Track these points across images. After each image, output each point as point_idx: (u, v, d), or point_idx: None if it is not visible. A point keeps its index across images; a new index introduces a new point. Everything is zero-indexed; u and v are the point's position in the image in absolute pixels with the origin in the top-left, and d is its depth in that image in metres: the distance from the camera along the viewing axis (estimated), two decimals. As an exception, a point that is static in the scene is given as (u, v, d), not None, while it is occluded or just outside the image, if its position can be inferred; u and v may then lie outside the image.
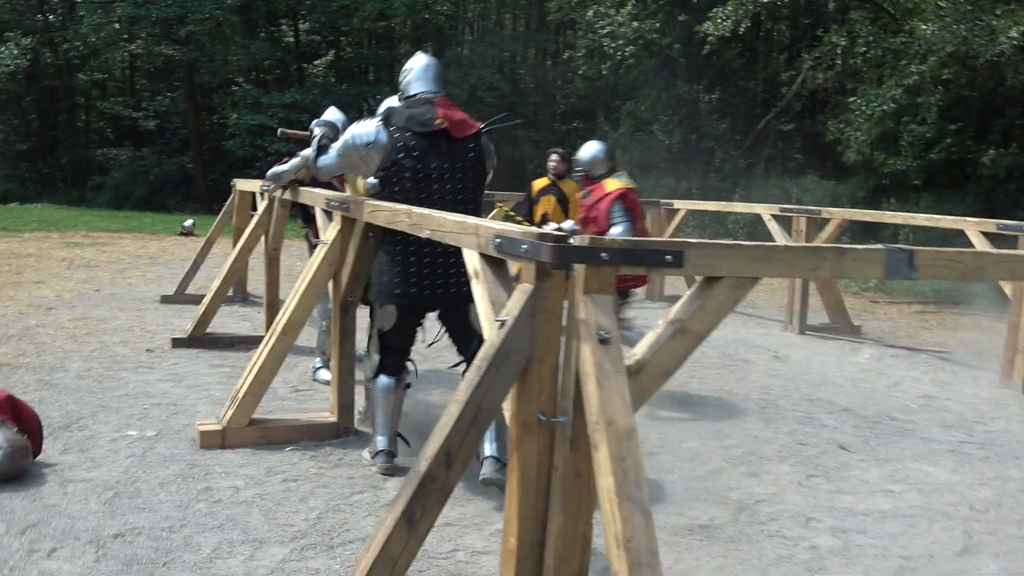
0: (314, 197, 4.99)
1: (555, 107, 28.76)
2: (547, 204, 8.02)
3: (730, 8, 14.21)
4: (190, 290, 8.87)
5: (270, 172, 5.34)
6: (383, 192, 4.29)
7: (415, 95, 4.43)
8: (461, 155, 4.36)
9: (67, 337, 6.96)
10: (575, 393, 2.42)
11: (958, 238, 8.92)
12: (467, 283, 3.28)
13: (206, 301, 6.91)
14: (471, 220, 3.03)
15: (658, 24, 19.12)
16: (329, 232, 4.71)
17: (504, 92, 24.44)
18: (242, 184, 8.47)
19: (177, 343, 6.80)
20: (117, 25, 27.62)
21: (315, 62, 29.49)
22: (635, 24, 18.82)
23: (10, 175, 28.05)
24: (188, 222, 17.52)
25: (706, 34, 15.53)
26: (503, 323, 2.49)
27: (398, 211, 3.71)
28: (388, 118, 4.33)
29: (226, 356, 6.63)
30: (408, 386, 4.50)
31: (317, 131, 4.82)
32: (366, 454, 4.49)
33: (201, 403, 5.35)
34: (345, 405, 4.80)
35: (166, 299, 8.85)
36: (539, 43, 26.47)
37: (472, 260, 2.93)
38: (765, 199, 18.30)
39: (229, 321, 7.97)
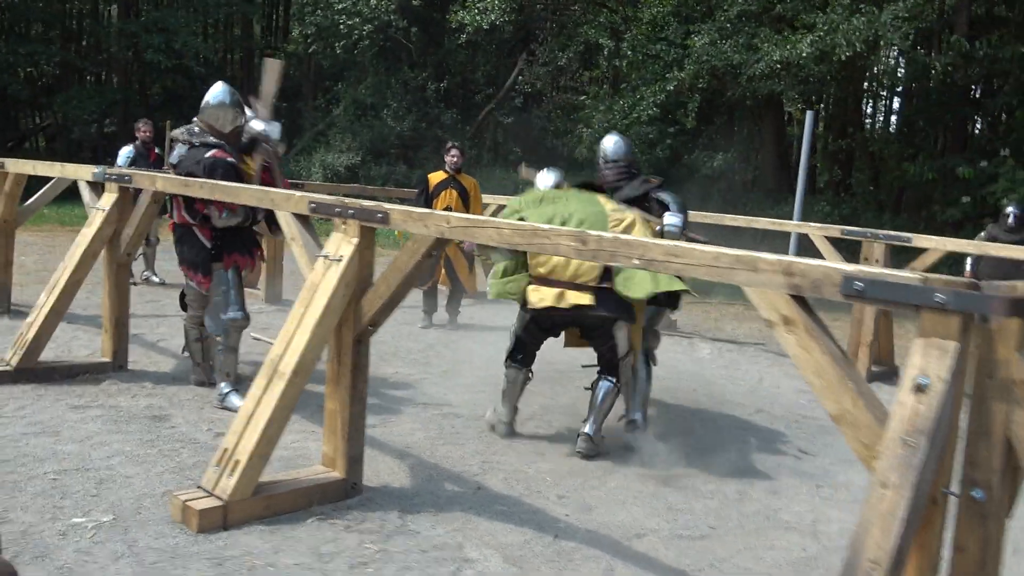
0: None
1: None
2: (448, 198, 7.82)
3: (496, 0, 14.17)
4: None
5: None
6: None
7: None
8: None
9: None
10: (1003, 463, 2.14)
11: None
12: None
13: (36, 322, 5.33)
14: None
15: (394, 6, 18.56)
16: (335, 244, 3.82)
17: (214, 62, 22.27)
18: (16, 166, 6.75)
19: (0, 379, 5.18)
20: None
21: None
22: (372, 2, 18.06)
23: None
24: None
25: (461, 23, 15.38)
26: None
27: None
28: None
29: (82, 392, 5.17)
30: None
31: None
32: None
33: (121, 464, 4.10)
34: (355, 457, 3.94)
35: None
36: (246, 15, 24.47)
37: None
38: (501, 190, 18.76)
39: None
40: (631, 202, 5.40)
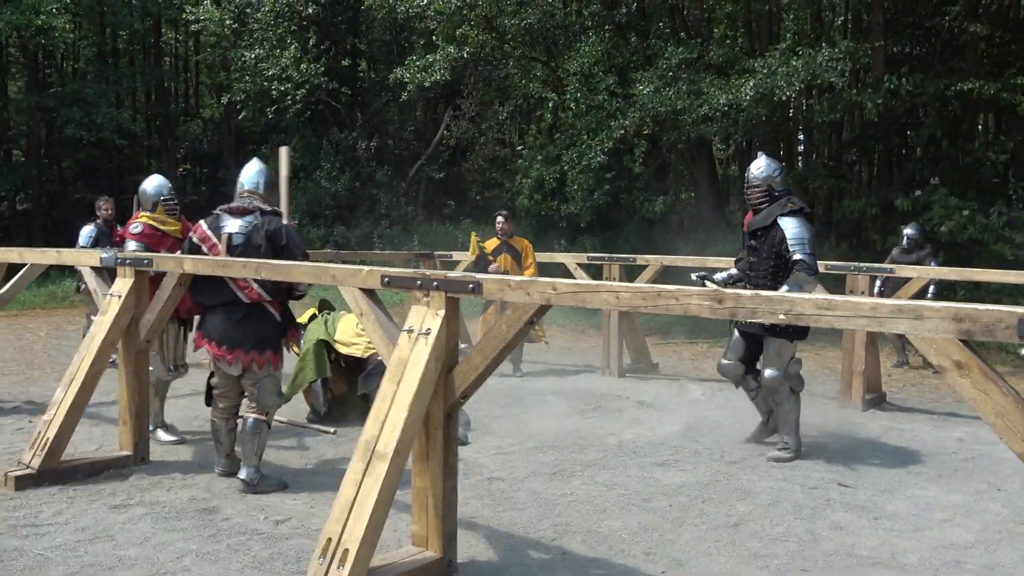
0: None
1: (175, 150, 26.25)
2: (504, 262, 8.67)
3: (438, 58, 14.30)
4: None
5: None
6: None
7: (787, 189, 6.03)
8: None
9: None
10: None
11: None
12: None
13: (55, 419, 5.02)
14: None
15: (323, 68, 18.50)
16: (418, 317, 3.75)
17: (135, 132, 21.67)
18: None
19: (22, 482, 4.84)
20: None
21: None
22: (303, 67, 17.97)
23: None
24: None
25: (400, 81, 15.45)
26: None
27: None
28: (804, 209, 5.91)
29: (113, 490, 4.89)
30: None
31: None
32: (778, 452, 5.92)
33: (195, 563, 3.88)
34: (449, 534, 3.84)
35: None
36: (158, 77, 23.96)
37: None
38: (446, 245, 18.82)
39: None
40: (757, 232, 5.95)
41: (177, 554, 4.00)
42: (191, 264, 4.86)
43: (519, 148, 17.85)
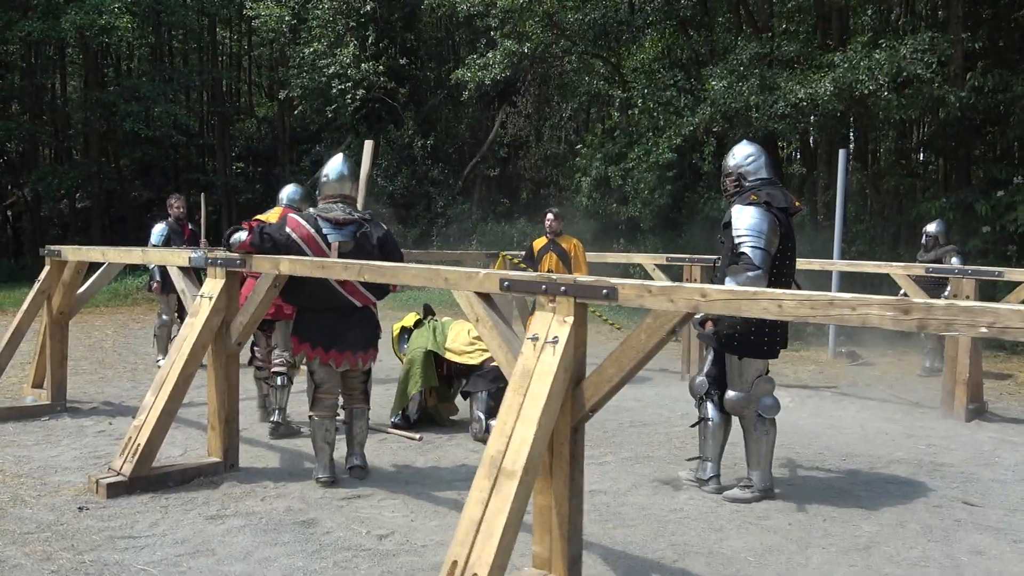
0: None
1: (230, 148, 26.41)
2: (550, 261, 8.19)
3: (499, 56, 14.07)
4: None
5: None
6: None
7: (767, 179, 5.10)
8: (793, 235, 5.09)
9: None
10: None
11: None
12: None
13: (146, 425, 4.87)
14: None
15: (382, 67, 18.38)
16: (543, 324, 3.50)
17: (192, 130, 21.79)
18: (77, 254, 6.33)
19: (114, 490, 4.69)
20: None
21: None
22: (363, 66, 17.86)
23: None
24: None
25: (460, 80, 15.26)
26: None
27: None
28: (767, 201, 4.88)
29: (206, 499, 4.72)
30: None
31: None
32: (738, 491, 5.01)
33: (305, 583, 3.68)
34: (575, 557, 3.58)
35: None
36: (214, 76, 24.08)
37: None
38: (503, 244, 18.58)
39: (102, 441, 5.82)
40: (725, 226, 5.06)
41: (283, 571, 3.79)
42: (288, 265, 4.67)
43: (578, 147, 17.49)
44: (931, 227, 9.96)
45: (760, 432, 5.09)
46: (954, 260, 9.30)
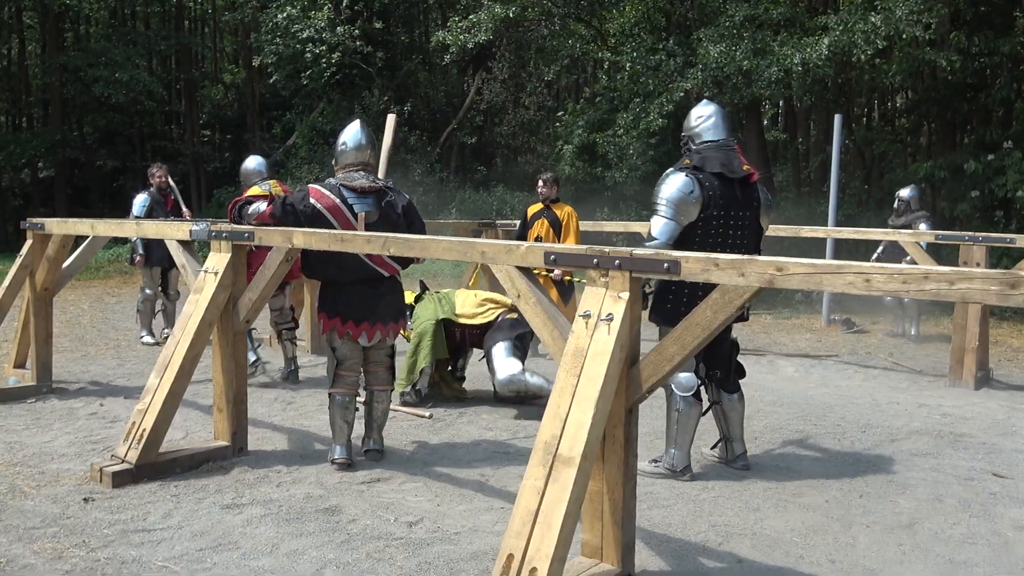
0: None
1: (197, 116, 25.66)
2: (540, 228, 7.87)
3: (482, 17, 13.67)
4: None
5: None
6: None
7: (715, 141, 4.65)
8: (748, 203, 4.65)
9: None
10: None
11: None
12: None
13: (151, 409, 4.59)
14: None
15: (357, 31, 17.85)
16: (595, 300, 3.28)
17: (160, 95, 21.08)
18: (62, 227, 5.98)
19: (120, 479, 4.42)
20: None
21: None
22: (339, 29, 17.32)
23: None
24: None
25: (441, 43, 14.84)
26: None
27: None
28: (698, 166, 4.53)
29: (218, 485, 4.46)
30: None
31: None
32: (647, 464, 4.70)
33: (341, 577, 3.46)
34: (628, 544, 3.40)
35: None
36: (180, 41, 23.28)
37: None
38: (483, 212, 18.27)
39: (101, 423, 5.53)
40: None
41: (315, 565, 3.57)
42: (301, 238, 4.39)
43: (559, 113, 17.19)
44: (904, 192, 9.84)
45: (671, 408, 4.79)
46: (922, 226, 9.26)
